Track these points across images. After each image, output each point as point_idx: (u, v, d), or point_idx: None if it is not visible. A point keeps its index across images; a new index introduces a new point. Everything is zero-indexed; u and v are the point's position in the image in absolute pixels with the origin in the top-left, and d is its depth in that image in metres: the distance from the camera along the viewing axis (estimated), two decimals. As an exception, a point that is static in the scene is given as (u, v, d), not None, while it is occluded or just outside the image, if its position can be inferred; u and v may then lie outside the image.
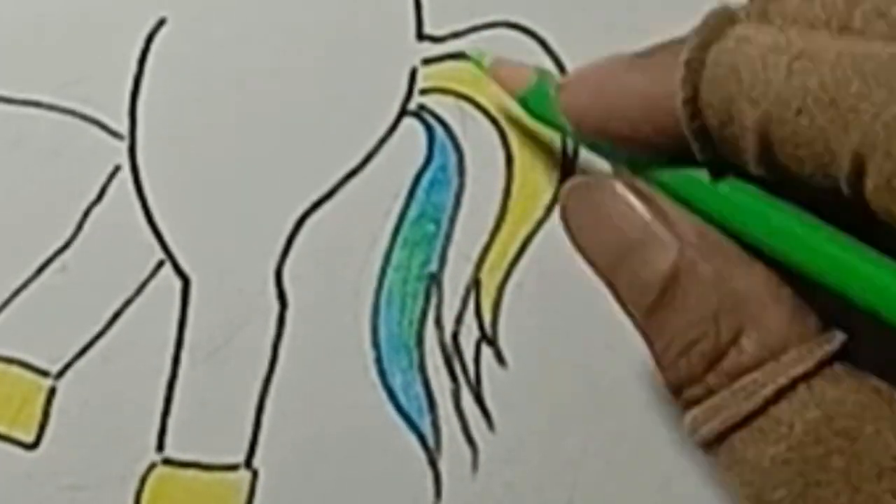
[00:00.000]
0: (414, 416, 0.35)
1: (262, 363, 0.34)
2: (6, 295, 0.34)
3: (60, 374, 0.34)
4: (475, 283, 0.35)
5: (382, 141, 0.35)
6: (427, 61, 0.35)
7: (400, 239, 0.35)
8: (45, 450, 0.34)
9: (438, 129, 0.35)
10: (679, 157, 0.26)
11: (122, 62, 0.34)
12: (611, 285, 0.28)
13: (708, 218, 0.26)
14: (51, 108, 0.34)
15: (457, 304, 0.35)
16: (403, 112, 0.35)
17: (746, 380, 0.25)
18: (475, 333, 0.35)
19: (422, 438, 0.35)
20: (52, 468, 0.34)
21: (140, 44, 0.34)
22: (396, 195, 0.35)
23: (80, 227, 0.34)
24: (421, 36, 0.35)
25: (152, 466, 0.34)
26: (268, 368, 0.34)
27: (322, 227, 0.35)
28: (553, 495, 0.35)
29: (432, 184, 0.35)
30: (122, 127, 0.34)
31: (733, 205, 0.26)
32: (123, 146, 0.34)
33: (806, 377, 0.24)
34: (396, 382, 0.35)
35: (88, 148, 0.34)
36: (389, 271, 0.35)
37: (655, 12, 0.36)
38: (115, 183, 0.34)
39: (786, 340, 0.25)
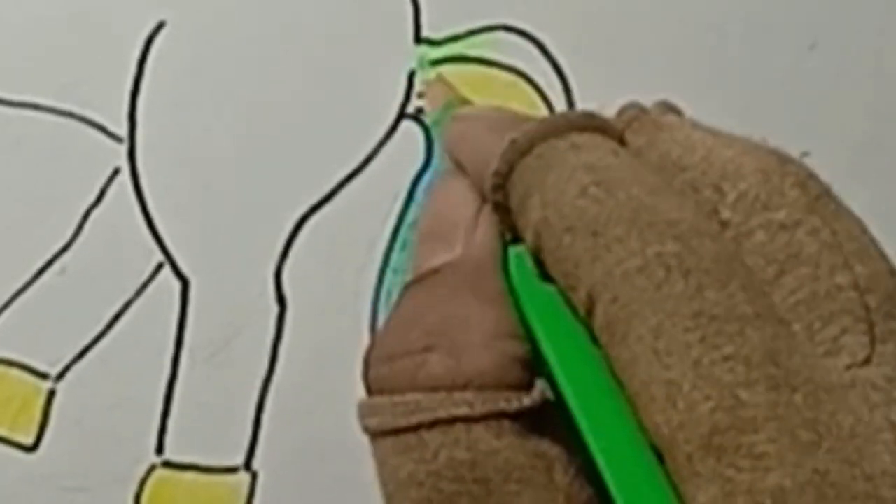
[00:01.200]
0: (413, 417, 0.35)
1: (261, 365, 0.34)
2: (6, 297, 0.34)
3: (60, 376, 0.34)
4: (474, 286, 0.35)
5: (381, 144, 0.35)
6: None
7: (399, 241, 0.35)
8: (44, 452, 0.34)
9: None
10: None
11: (122, 65, 0.34)
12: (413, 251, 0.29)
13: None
14: (51, 110, 0.34)
15: (455, 306, 0.35)
16: (402, 115, 0.35)
17: (412, 396, 0.25)
18: (474, 335, 0.35)
19: (421, 440, 0.35)
20: (51, 470, 0.34)
21: (139, 47, 0.34)
22: (395, 197, 0.35)
23: (79, 229, 0.34)
24: (419, 39, 0.35)
25: (152, 468, 0.34)
26: (267, 370, 0.34)
27: (321, 229, 0.35)
28: (552, 497, 0.35)
29: (431, 186, 0.35)
30: (122, 130, 0.34)
31: (515, 265, 0.27)
32: (123, 149, 0.34)
33: (467, 420, 0.25)
34: (395, 384, 0.35)
35: (88, 150, 0.34)
36: (388, 273, 0.35)
37: (652, 15, 0.36)
38: (114, 185, 0.34)
39: (469, 380, 0.25)
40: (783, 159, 0.26)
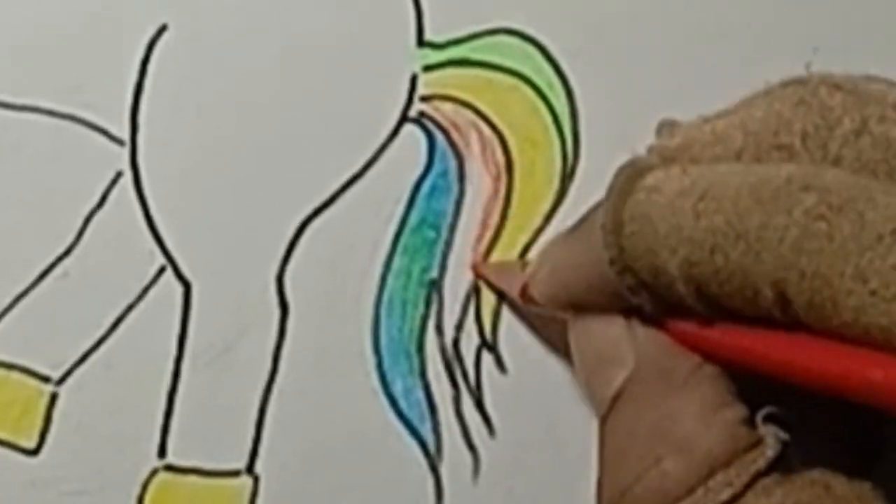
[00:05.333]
0: (415, 422, 0.35)
1: (263, 369, 0.34)
2: (8, 301, 0.34)
3: (62, 380, 0.34)
4: (475, 290, 0.35)
5: (383, 147, 0.35)
6: (427, 68, 0.35)
7: (400, 245, 0.35)
8: (46, 456, 0.34)
9: (439, 136, 0.35)
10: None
11: (124, 68, 0.34)
12: (588, 395, 0.29)
13: None
14: (52, 114, 0.34)
15: (457, 310, 0.35)
16: (404, 119, 0.35)
17: None
18: (475, 340, 0.35)
19: (423, 444, 0.35)
20: (53, 474, 0.34)
21: (142, 50, 0.34)
22: (397, 202, 0.35)
23: (81, 233, 0.34)
24: (421, 42, 0.35)
25: (154, 472, 0.34)
26: (269, 374, 0.34)
27: (323, 233, 0.35)
28: (553, 501, 0.35)
29: (433, 190, 0.35)
30: (124, 133, 0.34)
31: None
32: (125, 152, 0.34)
33: (735, 499, 0.25)
34: (397, 388, 0.35)
35: (90, 154, 0.34)
36: (390, 278, 0.35)
37: (654, 19, 0.36)
38: (116, 189, 0.34)
39: (713, 464, 0.25)
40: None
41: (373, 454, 0.35)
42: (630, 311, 0.28)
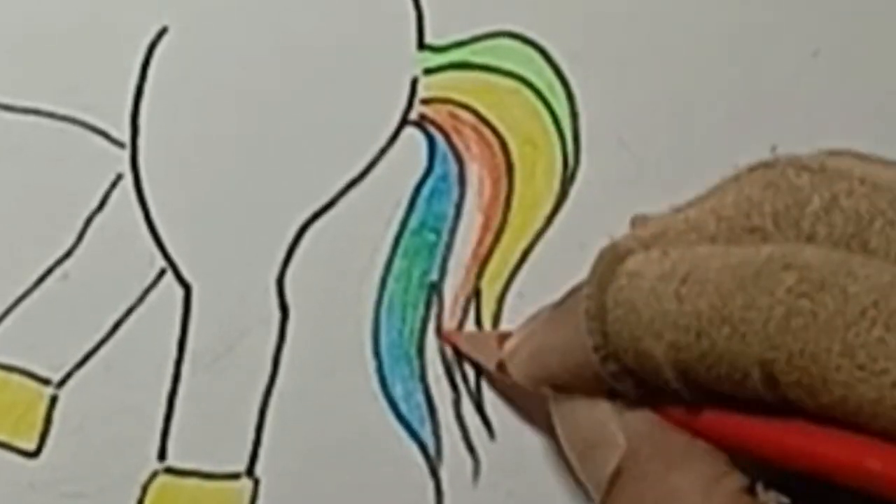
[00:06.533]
0: (415, 424, 0.35)
1: (263, 372, 0.34)
2: (8, 303, 0.34)
3: (62, 382, 0.34)
4: (476, 293, 0.35)
5: (383, 150, 0.35)
6: (428, 71, 0.35)
7: (401, 248, 0.35)
8: (46, 458, 0.34)
9: (439, 139, 0.35)
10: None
11: (124, 70, 0.34)
12: (581, 478, 0.30)
13: None
14: (52, 116, 0.34)
15: (457, 313, 0.35)
16: (404, 122, 0.35)
17: None
18: (476, 342, 0.35)
19: (423, 447, 0.35)
20: (53, 476, 0.34)
21: (142, 52, 0.34)
22: (397, 204, 0.35)
23: (81, 235, 0.34)
24: (422, 45, 0.35)
25: (154, 475, 0.34)
26: (269, 377, 0.34)
27: (323, 236, 0.35)
28: (553, 504, 0.35)
29: (433, 193, 0.35)
30: (124, 135, 0.34)
31: None
32: (125, 154, 0.34)
33: None
34: (397, 391, 0.35)
35: (90, 156, 0.34)
36: (390, 280, 0.35)
37: (655, 23, 0.36)
38: (116, 191, 0.34)
39: None
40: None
41: (373, 457, 0.35)
42: (614, 392, 0.28)
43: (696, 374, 0.25)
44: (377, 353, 0.35)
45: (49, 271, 0.34)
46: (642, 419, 0.27)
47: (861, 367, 0.22)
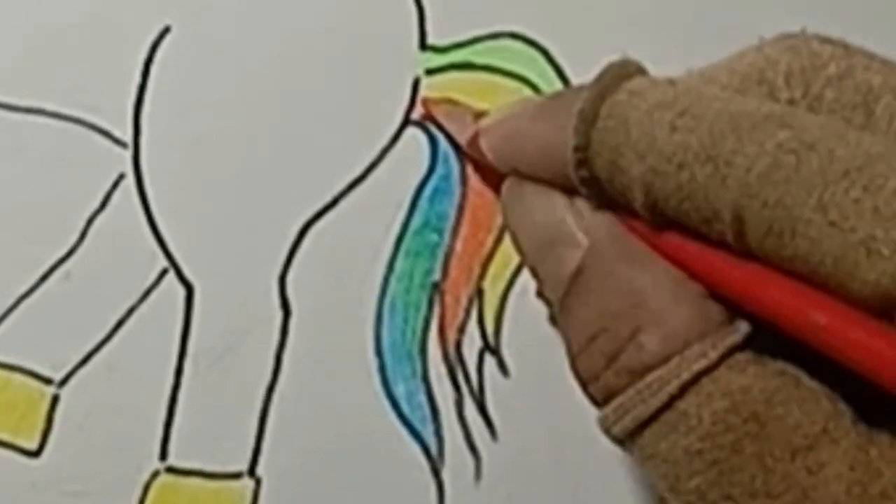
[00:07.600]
0: (417, 424, 0.35)
1: (265, 371, 0.34)
2: (10, 302, 0.34)
3: (64, 381, 0.34)
4: (478, 293, 0.35)
5: (385, 151, 0.35)
6: (430, 71, 0.35)
7: (403, 248, 0.35)
8: (48, 457, 0.34)
9: (441, 139, 0.35)
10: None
11: (127, 70, 0.34)
12: (535, 276, 0.29)
13: None
14: (55, 115, 0.34)
15: (460, 313, 0.35)
16: (406, 122, 0.35)
17: (651, 377, 0.26)
18: (478, 343, 0.35)
19: (425, 447, 0.35)
20: (55, 476, 0.34)
21: (144, 52, 0.34)
22: (399, 205, 0.35)
23: (83, 234, 0.34)
24: (424, 46, 0.35)
25: (156, 474, 0.34)
26: (271, 376, 0.34)
27: (325, 236, 0.35)
28: (555, 504, 0.35)
29: (435, 193, 0.35)
30: (126, 135, 0.34)
31: None
32: (127, 154, 0.34)
33: (709, 370, 0.25)
34: (400, 391, 0.35)
35: (92, 156, 0.34)
36: (392, 280, 0.35)
37: (657, 23, 0.36)
38: (118, 191, 0.34)
39: (687, 336, 0.26)
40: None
41: (375, 457, 0.35)
42: (572, 192, 0.28)
43: (666, 203, 0.25)
44: (379, 353, 0.35)
45: (51, 271, 0.34)
46: (605, 221, 0.27)
47: (832, 224, 0.22)
